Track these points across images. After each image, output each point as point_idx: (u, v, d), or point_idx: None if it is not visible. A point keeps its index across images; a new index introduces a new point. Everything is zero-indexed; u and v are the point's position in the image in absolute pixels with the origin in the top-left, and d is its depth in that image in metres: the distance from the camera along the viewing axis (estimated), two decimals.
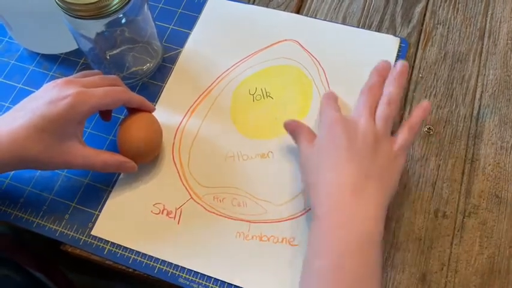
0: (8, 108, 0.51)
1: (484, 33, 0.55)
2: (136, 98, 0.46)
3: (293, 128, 0.46)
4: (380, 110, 0.43)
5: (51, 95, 0.41)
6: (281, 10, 0.57)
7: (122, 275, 0.46)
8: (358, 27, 0.56)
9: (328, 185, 0.40)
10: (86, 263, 0.47)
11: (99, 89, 0.43)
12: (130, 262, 0.44)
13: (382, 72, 0.46)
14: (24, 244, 0.63)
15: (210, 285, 0.43)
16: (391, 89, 0.44)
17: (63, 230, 0.46)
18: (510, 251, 0.44)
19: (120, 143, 0.45)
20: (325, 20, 0.57)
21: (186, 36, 0.56)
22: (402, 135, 0.42)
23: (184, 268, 0.44)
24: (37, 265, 0.65)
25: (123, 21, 0.47)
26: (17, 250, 0.64)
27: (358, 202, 0.38)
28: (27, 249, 0.64)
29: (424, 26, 0.56)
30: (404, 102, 0.51)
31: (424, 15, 0.57)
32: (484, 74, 0.52)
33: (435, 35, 0.55)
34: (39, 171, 0.49)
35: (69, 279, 0.65)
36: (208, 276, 0.43)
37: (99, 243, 0.45)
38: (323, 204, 0.39)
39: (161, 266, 0.44)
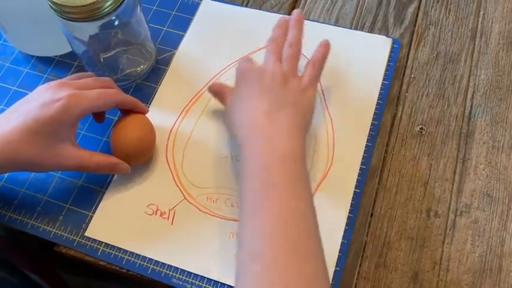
0: (2, 111, 0.51)
1: (475, 34, 0.55)
2: (130, 100, 0.47)
3: (216, 90, 0.50)
4: (285, 52, 0.47)
5: (44, 98, 0.42)
6: (274, 12, 0.58)
7: (116, 275, 0.46)
8: (351, 28, 0.56)
9: (244, 116, 0.43)
10: (81, 265, 0.47)
11: (92, 91, 0.43)
12: (124, 263, 0.45)
13: (281, 25, 0.49)
14: (20, 246, 0.63)
15: (203, 285, 0.43)
16: (292, 32, 0.48)
17: (57, 231, 0.46)
18: (501, 249, 0.44)
19: (113, 144, 0.46)
20: (318, 21, 0.57)
21: (179, 38, 0.56)
22: (307, 71, 0.46)
23: (178, 268, 0.44)
24: (32, 267, 0.65)
25: (116, 23, 0.47)
26: (13, 252, 0.64)
27: (273, 125, 0.41)
28: (22, 251, 0.64)
29: (417, 26, 0.56)
30: (397, 102, 0.52)
31: (417, 15, 0.57)
32: (476, 74, 0.53)
33: (427, 35, 0.56)
34: (33, 173, 0.49)
35: (64, 280, 0.65)
36: (201, 276, 0.43)
37: (93, 244, 0.46)
38: (242, 132, 0.43)
39: (154, 267, 0.44)
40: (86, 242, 0.46)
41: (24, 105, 0.43)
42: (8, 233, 0.60)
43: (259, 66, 0.46)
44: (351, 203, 0.46)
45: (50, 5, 0.44)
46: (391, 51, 0.54)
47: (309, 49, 0.54)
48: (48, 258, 0.61)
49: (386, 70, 0.53)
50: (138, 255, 0.45)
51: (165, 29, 0.57)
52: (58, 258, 0.48)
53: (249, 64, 0.47)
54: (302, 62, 0.47)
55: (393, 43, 0.55)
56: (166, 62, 0.55)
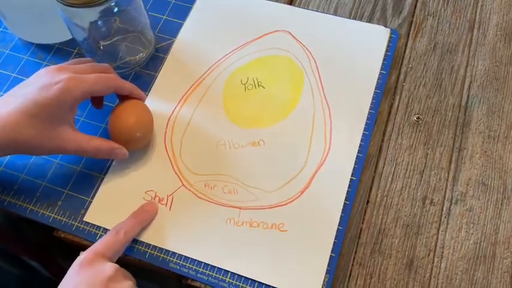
0: None
1: (473, 25, 0.56)
2: (127, 86, 0.47)
3: None
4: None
5: (43, 81, 0.42)
6: (274, 1, 0.58)
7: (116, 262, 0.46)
8: (349, 18, 0.56)
9: None
10: (80, 251, 0.47)
11: (91, 75, 0.44)
12: None
13: None
14: (19, 233, 0.64)
15: (200, 269, 0.44)
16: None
17: (56, 216, 0.47)
18: (495, 237, 0.45)
19: (111, 129, 0.46)
20: (317, 10, 0.57)
21: (179, 27, 0.57)
22: None
23: (175, 253, 0.44)
24: (32, 254, 0.66)
25: (116, 10, 0.47)
26: (12, 240, 0.65)
27: None
28: (22, 239, 0.65)
29: (415, 17, 0.56)
30: (394, 92, 0.52)
31: (415, 6, 0.57)
32: (473, 65, 0.53)
33: (425, 26, 0.56)
34: (33, 158, 0.49)
35: (63, 267, 0.66)
36: (198, 261, 0.44)
37: (91, 229, 0.46)
38: None
39: (152, 252, 0.45)
40: (85, 227, 0.46)
41: (23, 88, 0.43)
42: (8, 220, 0.61)
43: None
44: (347, 191, 0.47)
45: None
46: (389, 41, 0.54)
47: (308, 39, 0.55)
48: (48, 246, 0.61)
49: (384, 60, 0.53)
50: (135, 240, 0.45)
51: (164, 17, 0.57)
52: (58, 246, 0.48)
53: None
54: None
55: (391, 33, 0.55)
56: (166, 50, 0.55)
